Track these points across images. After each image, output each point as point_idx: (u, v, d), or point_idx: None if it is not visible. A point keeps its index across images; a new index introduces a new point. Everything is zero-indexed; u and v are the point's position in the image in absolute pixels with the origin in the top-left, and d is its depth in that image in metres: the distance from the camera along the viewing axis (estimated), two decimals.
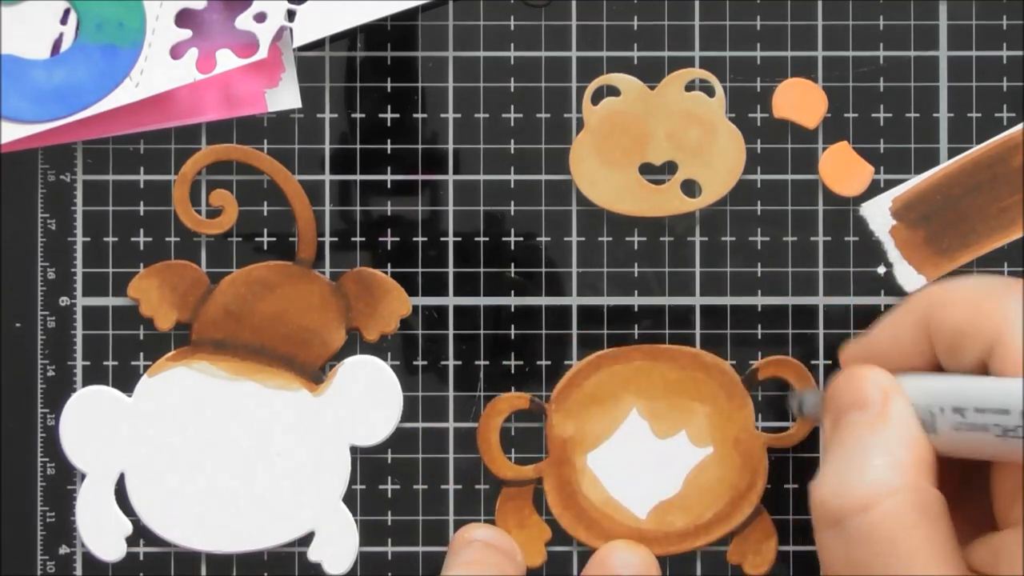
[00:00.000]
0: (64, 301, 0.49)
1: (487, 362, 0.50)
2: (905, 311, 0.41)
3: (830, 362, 0.49)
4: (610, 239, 0.50)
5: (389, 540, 0.49)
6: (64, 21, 0.48)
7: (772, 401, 0.49)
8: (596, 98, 0.49)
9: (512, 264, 0.50)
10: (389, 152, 0.50)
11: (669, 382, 0.49)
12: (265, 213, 0.50)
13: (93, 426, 0.49)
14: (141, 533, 0.49)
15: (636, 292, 0.50)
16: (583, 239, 0.50)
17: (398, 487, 0.50)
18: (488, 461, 0.49)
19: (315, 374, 0.49)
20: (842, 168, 0.49)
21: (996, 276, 0.40)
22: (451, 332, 0.50)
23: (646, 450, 0.49)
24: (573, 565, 0.50)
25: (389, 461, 0.49)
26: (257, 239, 0.50)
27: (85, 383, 0.49)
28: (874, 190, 0.49)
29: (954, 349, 0.38)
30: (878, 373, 0.40)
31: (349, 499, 0.49)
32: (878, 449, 0.38)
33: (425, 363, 0.50)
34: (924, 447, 0.38)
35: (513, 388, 0.49)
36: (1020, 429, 0.35)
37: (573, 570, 0.50)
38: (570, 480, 0.49)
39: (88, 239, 0.50)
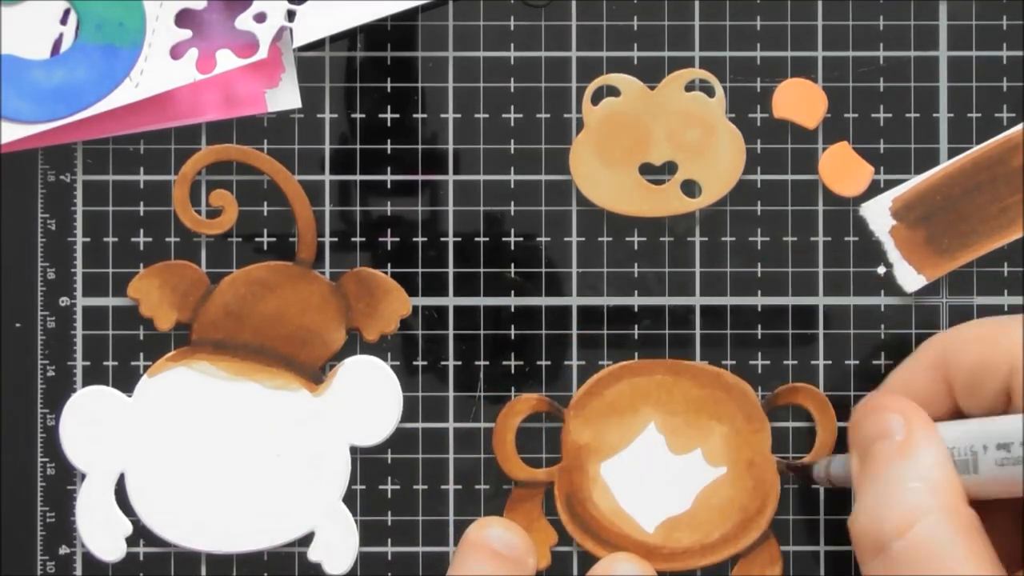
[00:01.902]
0: (64, 301, 0.49)
1: (487, 362, 0.50)
2: (918, 358, 0.42)
3: (830, 362, 0.49)
4: (610, 239, 0.50)
5: (389, 540, 0.49)
6: (64, 21, 0.48)
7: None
8: (596, 98, 0.49)
9: (512, 264, 0.50)
10: (389, 152, 0.50)
11: (689, 399, 0.49)
12: (265, 213, 0.50)
13: (93, 426, 0.49)
14: (141, 533, 0.49)
15: (636, 292, 0.50)
16: (583, 239, 0.50)
17: (398, 487, 0.50)
18: (502, 460, 0.49)
19: (315, 374, 0.49)
20: (842, 168, 0.49)
21: (1003, 315, 0.41)
22: (451, 332, 0.50)
23: (660, 464, 0.49)
24: (573, 565, 0.50)
25: (389, 461, 0.50)
26: (257, 239, 0.50)
27: (85, 383, 0.49)
28: (874, 190, 0.49)
29: (974, 387, 0.40)
30: (897, 400, 0.41)
31: (349, 499, 0.49)
32: (908, 474, 0.39)
33: (425, 363, 0.50)
34: (949, 467, 0.39)
35: (513, 388, 0.49)
36: None
37: (574, 571, 0.50)
38: (581, 487, 0.49)
39: (88, 239, 0.50)
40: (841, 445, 0.48)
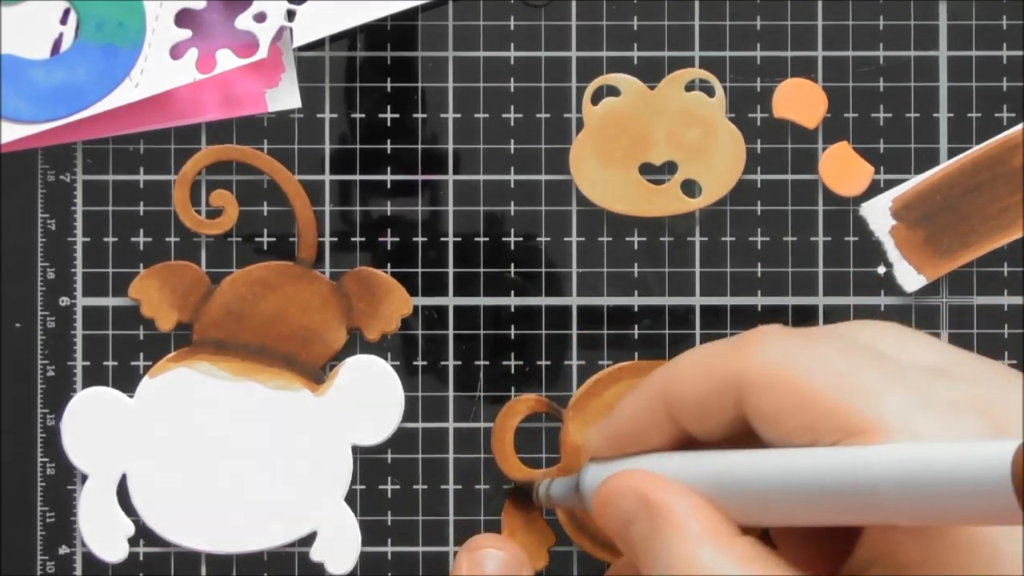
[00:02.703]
0: (64, 301, 0.49)
1: (487, 362, 0.50)
2: (640, 393, 0.41)
3: None
4: (610, 239, 0.50)
5: (389, 540, 0.49)
6: (64, 21, 0.48)
7: None
8: (596, 98, 0.49)
9: (512, 264, 0.50)
10: (389, 152, 0.50)
11: None
12: (265, 213, 0.50)
13: (95, 427, 0.49)
14: (141, 533, 0.49)
15: (636, 292, 0.50)
16: (583, 239, 0.50)
17: (398, 487, 0.50)
18: (500, 460, 0.49)
19: (316, 374, 0.49)
20: (842, 168, 0.49)
21: (718, 342, 0.40)
22: (451, 332, 0.50)
23: None
24: (573, 566, 0.50)
25: (389, 461, 0.50)
26: (257, 239, 0.50)
27: (85, 383, 0.49)
28: (874, 190, 0.49)
29: (700, 419, 0.38)
30: (626, 476, 0.39)
31: (349, 499, 0.49)
32: (675, 544, 0.37)
33: (425, 363, 0.50)
34: (705, 510, 0.37)
35: (513, 388, 0.49)
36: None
37: (573, 571, 0.50)
38: None
39: (88, 239, 0.49)
40: None
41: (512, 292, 0.50)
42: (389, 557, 0.49)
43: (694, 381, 0.39)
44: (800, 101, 0.49)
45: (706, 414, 0.38)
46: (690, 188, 0.49)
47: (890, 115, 0.49)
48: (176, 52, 0.48)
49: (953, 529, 0.34)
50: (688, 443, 0.40)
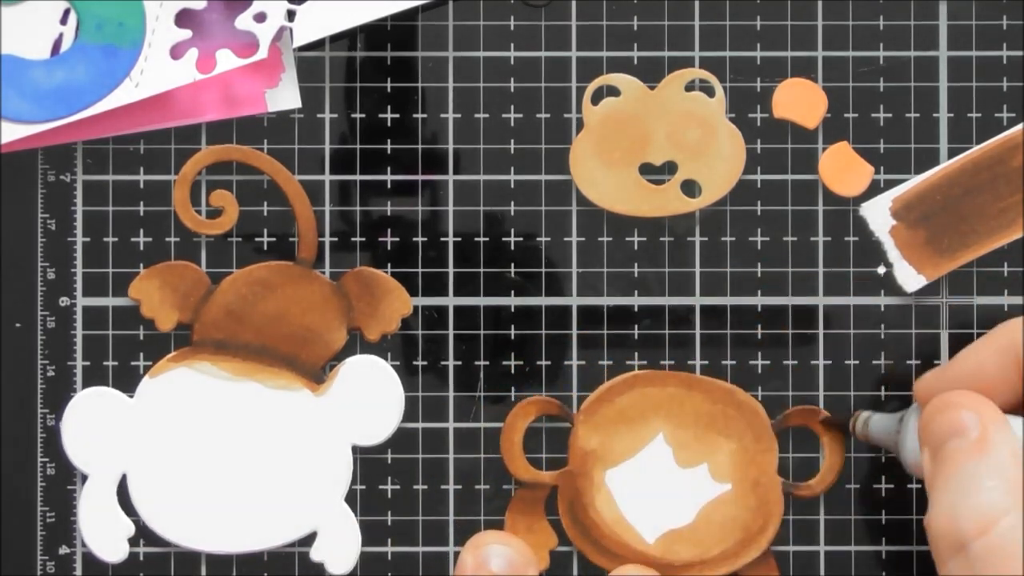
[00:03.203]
0: (64, 301, 0.49)
1: (487, 362, 0.50)
2: (989, 342, 0.42)
3: (830, 362, 0.49)
4: (610, 239, 0.50)
5: (389, 540, 0.49)
6: (64, 21, 0.48)
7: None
8: (596, 98, 0.49)
9: (512, 264, 0.50)
10: (389, 152, 0.50)
11: (700, 413, 0.49)
12: (265, 213, 0.50)
13: (95, 427, 0.49)
14: (141, 533, 0.49)
15: (636, 292, 0.50)
16: (583, 239, 0.50)
17: (398, 487, 0.50)
18: (508, 461, 0.49)
19: (316, 374, 0.49)
20: (842, 168, 0.49)
21: None
22: (451, 332, 0.50)
23: (665, 476, 0.49)
24: (573, 567, 0.50)
25: (389, 461, 0.50)
26: (257, 239, 0.50)
27: (85, 383, 0.49)
28: (874, 190, 0.49)
29: None
30: (970, 397, 0.41)
31: (349, 499, 0.49)
32: (986, 473, 0.39)
33: (425, 363, 0.50)
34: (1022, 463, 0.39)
35: (513, 388, 0.49)
36: None
37: (573, 572, 0.50)
38: (585, 493, 0.49)
39: (88, 239, 0.49)
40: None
41: (512, 292, 0.50)
42: (389, 557, 0.49)
43: None
44: (800, 101, 0.49)
45: None
46: (690, 188, 0.49)
47: (890, 115, 0.49)
48: (176, 52, 0.48)
49: None
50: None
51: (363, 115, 0.50)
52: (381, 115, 0.50)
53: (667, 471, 0.49)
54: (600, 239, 0.50)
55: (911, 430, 0.44)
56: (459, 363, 0.50)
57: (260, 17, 0.48)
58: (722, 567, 0.48)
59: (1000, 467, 0.39)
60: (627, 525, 0.49)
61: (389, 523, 0.50)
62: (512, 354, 0.50)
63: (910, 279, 0.49)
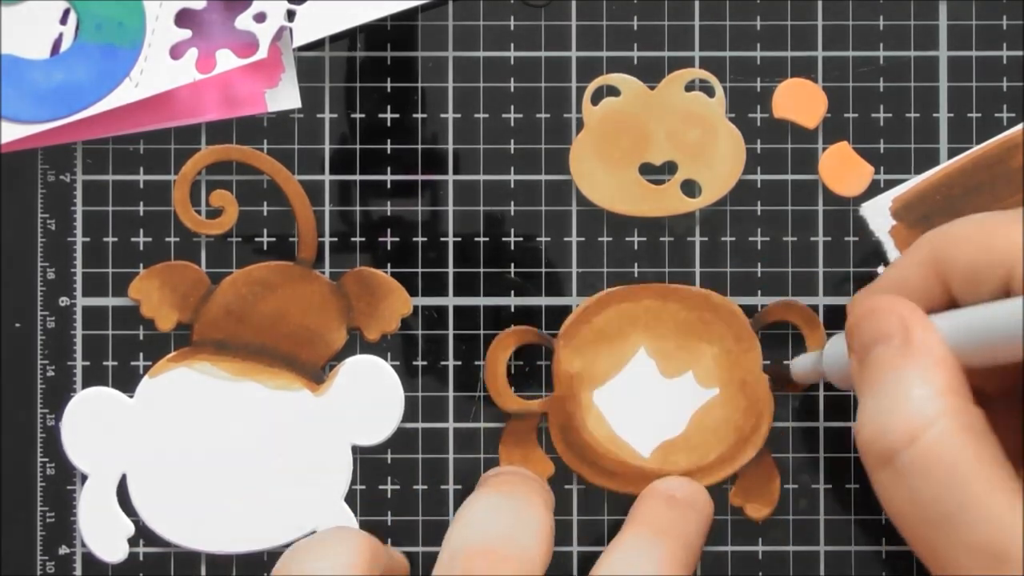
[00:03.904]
0: (64, 301, 0.49)
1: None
2: (911, 255, 0.40)
3: None
4: (610, 239, 0.50)
5: (389, 540, 0.49)
6: (64, 21, 0.48)
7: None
8: (596, 98, 0.49)
9: (512, 264, 0.50)
10: (389, 152, 0.50)
11: (678, 322, 0.49)
12: (265, 213, 0.50)
13: (95, 427, 0.49)
14: (141, 533, 0.49)
15: None
16: (583, 239, 0.50)
17: (398, 487, 0.50)
18: (494, 394, 0.49)
19: (316, 374, 0.49)
20: (842, 168, 0.49)
21: (999, 211, 0.39)
22: (451, 332, 0.50)
23: (652, 389, 0.49)
24: (573, 567, 0.50)
25: (389, 461, 0.50)
26: (257, 239, 0.50)
27: (85, 383, 0.49)
28: (874, 190, 0.49)
29: (970, 285, 0.38)
30: (893, 301, 0.39)
31: (349, 499, 0.49)
32: (911, 379, 0.37)
33: (425, 363, 0.50)
34: (955, 367, 0.37)
35: (513, 388, 0.49)
36: None
37: (573, 571, 0.50)
38: (575, 416, 0.49)
39: (88, 239, 0.49)
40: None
41: (512, 292, 0.50)
42: None
43: (969, 246, 0.38)
44: (800, 101, 0.49)
45: (976, 281, 0.38)
46: (690, 188, 0.49)
47: (890, 115, 0.49)
48: (176, 52, 0.48)
49: None
50: (953, 307, 0.39)
51: (363, 115, 0.50)
52: (381, 115, 0.50)
53: (653, 384, 0.49)
54: (600, 239, 0.50)
55: (834, 343, 0.43)
56: (459, 363, 0.50)
57: (260, 17, 0.48)
58: (721, 471, 0.49)
59: (927, 373, 0.37)
60: (621, 442, 0.49)
61: (389, 523, 0.50)
62: (512, 354, 0.49)
63: None
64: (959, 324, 0.38)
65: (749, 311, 0.49)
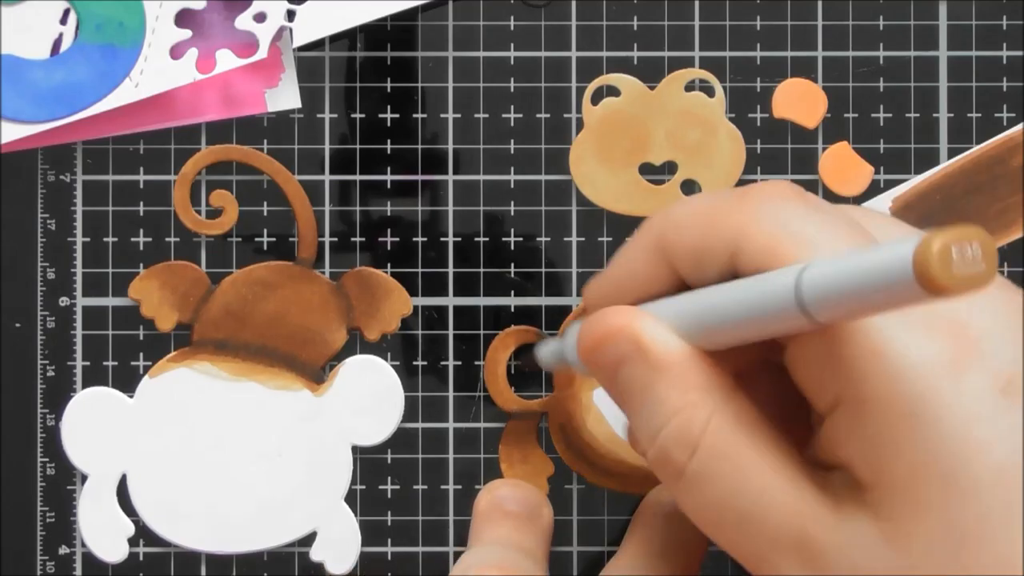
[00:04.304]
0: (64, 301, 0.49)
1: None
2: (637, 242, 0.39)
3: None
4: (610, 239, 0.50)
5: (389, 540, 0.49)
6: (64, 21, 0.48)
7: None
8: (596, 98, 0.49)
9: (512, 264, 0.50)
10: (389, 152, 0.50)
11: None
12: (265, 213, 0.50)
13: (95, 428, 0.49)
14: (141, 533, 0.49)
15: None
16: (583, 239, 0.50)
17: (398, 487, 0.50)
18: (494, 394, 0.49)
19: (316, 374, 0.49)
20: (842, 168, 0.49)
21: (719, 191, 0.39)
22: (451, 332, 0.50)
23: None
24: (573, 566, 0.50)
25: (389, 461, 0.50)
26: (257, 239, 0.50)
27: (85, 383, 0.49)
28: (874, 190, 0.49)
29: (698, 266, 0.37)
30: (620, 319, 0.37)
31: (349, 499, 0.49)
32: (666, 392, 0.36)
33: (425, 363, 0.50)
34: (701, 364, 0.36)
35: (513, 388, 0.49)
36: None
37: (573, 571, 0.50)
38: (575, 416, 0.49)
39: (88, 239, 0.49)
40: None
41: (512, 292, 0.50)
42: (389, 557, 0.49)
43: (692, 231, 0.37)
44: (800, 101, 0.49)
45: (702, 263, 0.37)
46: (690, 188, 0.49)
47: (890, 115, 0.49)
48: (176, 52, 0.48)
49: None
50: (684, 289, 0.38)
51: (363, 115, 0.50)
52: (381, 115, 0.50)
53: None
54: (600, 239, 0.50)
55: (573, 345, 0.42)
56: (459, 363, 0.50)
57: (260, 17, 0.48)
58: None
59: (678, 380, 0.36)
60: (620, 442, 0.49)
61: (389, 523, 0.50)
62: (512, 354, 0.49)
63: None
64: (689, 310, 0.37)
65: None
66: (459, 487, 0.50)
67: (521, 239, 0.50)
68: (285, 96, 0.49)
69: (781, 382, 0.37)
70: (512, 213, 0.50)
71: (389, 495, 0.50)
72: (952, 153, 0.49)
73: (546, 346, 0.45)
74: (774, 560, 0.35)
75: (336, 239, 0.50)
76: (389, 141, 0.50)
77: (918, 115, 0.49)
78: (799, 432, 0.37)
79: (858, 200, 0.49)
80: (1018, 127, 0.49)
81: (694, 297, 0.37)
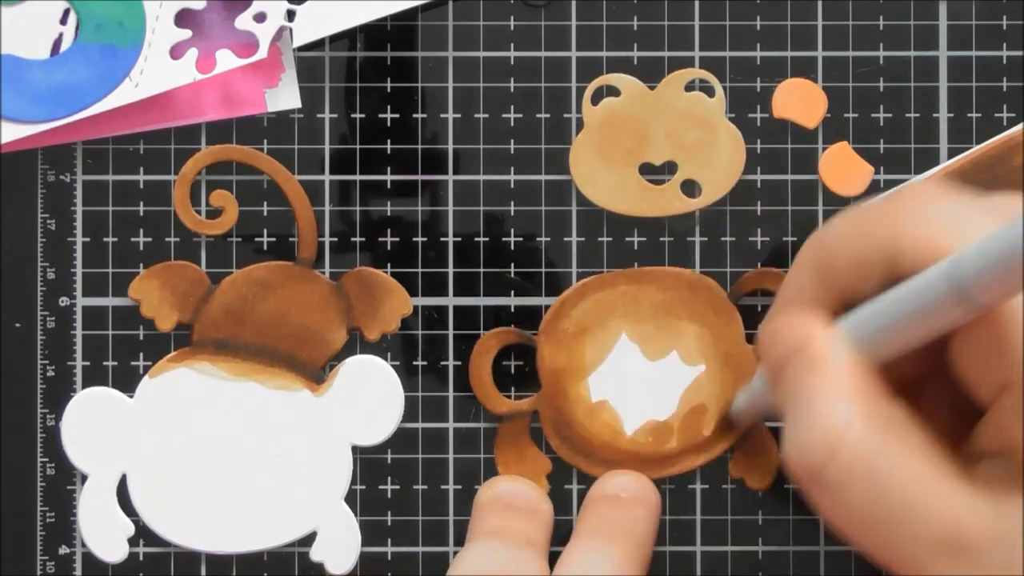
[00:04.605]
0: (64, 301, 0.49)
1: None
2: (800, 262, 0.40)
3: None
4: (610, 239, 0.50)
5: (389, 540, 0.49)
6: (64, 21, 0.48)
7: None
8: (596, 98, 0.49)
9: (512, 264, 0.50)
10: (389, 152, 0.50)
11: (656, 304, 0.49)
12: (265, 213, 0.50)
13: (95, 428, 0.49)
14: (141, 533, 0.49)
15: None
16: (583, 239, 0.50)
17: (398, 487, 0.50)
18: (481, 398, 0.49)
19: (316, 374, 0.49)
20: (842, 168, 0.49)
21: (877, 200, 0.39)
22: (451, 332, 0.50)
23: (639, 373, 0.49)
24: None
25: (389, 461, 0.50)
26: (257, 239, 0.50)
27: (85, 383, 0.49)
28: (874, 190, 0.49)
29: (859, 279, 0.38)
30: (791, 317, 0.39)
31: (349, 499, 0.49)
32: (820, 391, 0.37)
33: (425, 363, 0.50)
34: (860, 368, 0.37)
35: (513, 388, 0.49)
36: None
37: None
38: (565, 410, 0.49)
39: (88, 239, 0.49)
40: None
41: (512, 292, 0.50)
42: (389, 557, 0.49)
43: (847, 246, 0.38)
44: (800, 101, 0.49)
45: (862, 275, 0.37)
46: (690, 188, 0.49)
47: (890, 115, 0.49)
48: (176, 52, 0.48)
49: None
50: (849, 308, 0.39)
51: (363, 115, 0.50)
52: (381, 115, 0.50)
53: (639, 368, 0.49)
54: (600, 239, 0.50)
55: (756, 379, 0.44)
56: (459, 363, 0.50)
57: (260, 17, 0.48)
58: (717, 447, 0.49)
59: (834, 381, 0.37)
60: (615, 430, 0.49)
61: (389, 523, 0.50)
62: (512, 354, 0.50)
63: None
64: (859, 322, 0.38)
65: (724, 283, 0.49)
66: (459, 487, 0.50)
67: (521, 239, 0.50)
68: (285, 96, 0.49)
69: (942, 400, 0.38)
70: (512, 213, 0.50)
71: (389, 495, 0.50)
72: (952, 153, 0.49)
73: (740, 397, 0.47)
74: (927, 559, 0.35)
75: (336, 239, 0.50)
76: (389, 141, 0.50)
77: (918, 115, 0.49)
78: (956, 442, 0.37)
79: (858, 200, 0.49)
80: (1018, 127, 0.49)
81: (858, 311, 0.38)
